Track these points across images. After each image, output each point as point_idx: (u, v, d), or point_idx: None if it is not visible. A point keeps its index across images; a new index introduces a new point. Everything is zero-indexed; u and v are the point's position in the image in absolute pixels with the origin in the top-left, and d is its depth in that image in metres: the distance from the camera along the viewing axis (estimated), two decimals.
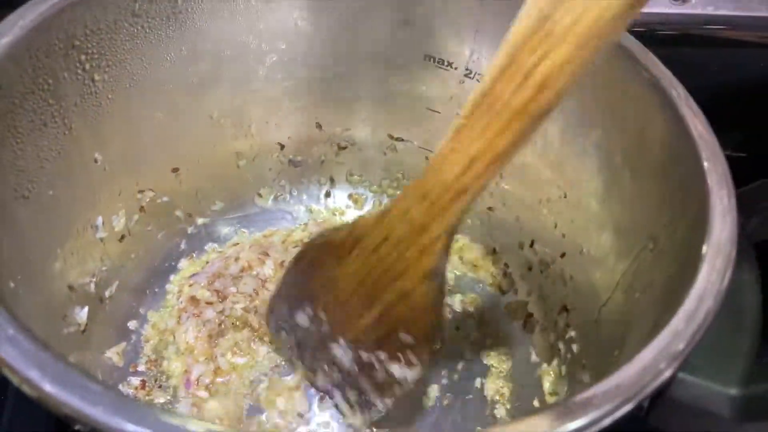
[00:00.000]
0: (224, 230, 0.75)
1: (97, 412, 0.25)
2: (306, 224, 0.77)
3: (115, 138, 0.55)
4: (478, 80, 0.62)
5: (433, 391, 0.62)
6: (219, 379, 0.61)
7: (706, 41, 0.74)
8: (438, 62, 0.64)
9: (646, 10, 0.72)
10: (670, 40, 0.73)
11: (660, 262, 0.43)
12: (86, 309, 0.56)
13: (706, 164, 0.39)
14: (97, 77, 0.50)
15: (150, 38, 0.53)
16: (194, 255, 0.72)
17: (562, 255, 0.62)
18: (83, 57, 0.48)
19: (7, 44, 0.41)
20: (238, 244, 0.73)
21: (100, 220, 0.57)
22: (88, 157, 0.53)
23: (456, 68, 0.63)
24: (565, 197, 0.60)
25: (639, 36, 0.51)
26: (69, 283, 0.53)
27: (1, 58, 0.40)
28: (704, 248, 0.35)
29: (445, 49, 0.63)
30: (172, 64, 0.57)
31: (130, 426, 0.25)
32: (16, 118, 0.42)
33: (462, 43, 0.61)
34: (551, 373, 0.61)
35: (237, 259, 0.68)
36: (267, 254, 0.69)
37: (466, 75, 0.63)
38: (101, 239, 0.58)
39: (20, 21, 0.42)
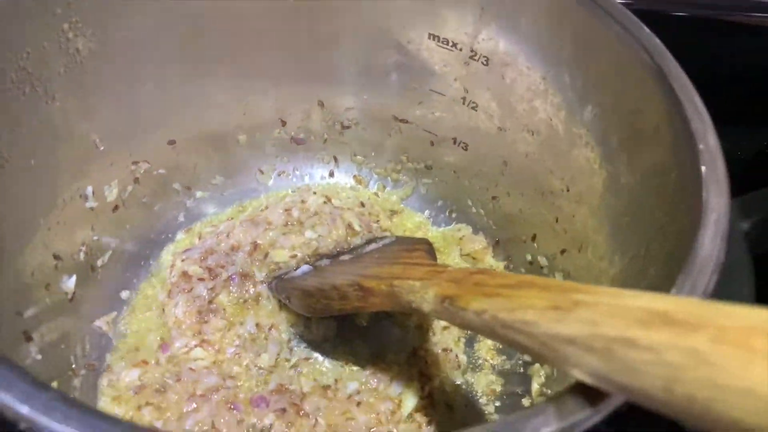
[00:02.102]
0: (223, 205, 0.74)
1: (25, 410, 0.25)
2: (299, 188, 0.76)
3: (104, 109, 0.54)
4: (483, 63, 0.59)
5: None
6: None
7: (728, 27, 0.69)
8: (442, 42, 0.61)
9: None
10: (687, 22, 0.68)
11: (647, 269, 0.40)
12: (74, 278, 0.57)
13: (704, 169, 0.36)
14: (81, 47, 0.49)
15: (142, 11, 0.52)
16: (192, 228, 0.71)
17: (563, 251, 0.59)
18: (66, 26, 0.47)
19: None
20: (232, 218, 0.72)
21: (89, 189, 0.57)
22: (75, 127, 0.52)
23: (461, 49, 0.60)
24: (567, 191, 0.57)
25: (653, 14, 0.47)
26: (55, 252, 0.53)
27: None
28: (688, 262, 0.32)
29: (448, 28, 0.60)
30: (161, 32, 0.55)
31: (54, 424, 0.24)
32: None
33: (467, 22, 0.58)
34: (542, 374, 0.59)
35: (228, 235, 0.68)
36: (257, 234, 0.68)
37: (471, 57, 0.60)
38: (91, 209, 0.58)
39: None
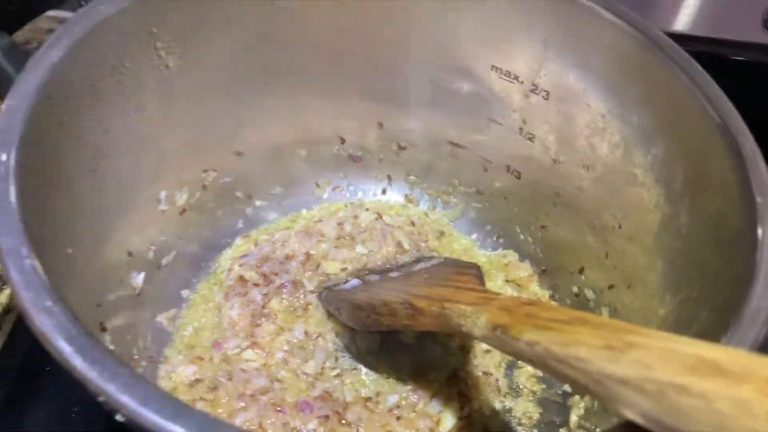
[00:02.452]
0: (279, 214, 0.77)
1: (111, 388, 0.28)
2: (351, 203, 0.79)
3: (184, 121, 0.58)
4: (543, 97, 0.61)
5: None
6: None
7: None
8: (504, 74, 0.63)
9: (733, 36, 0.69)
10: (755, 69, 0.68)
11: (699, 313, 0.41)
12: (143, 274, 0.60)
13: (760, 232, 0.36)
14: (171, 64, 0.53)
15: (226, 33, 0.56)
16: (249, 234, 0.75)
17: (611, 286, 0.60)
18: (159, 44, 0.51)
19: (87, 29, 0.44)
20: (288, 228, 0.76)
21: (163, 194, 0.61)
22: (157, 136, 0.56)
23: (522, 82, 0.62)
24: (620, 227, 0.58)
25: (719, 60, 0.48)
26: (129, 250, 0.57)
27: (83, 40, 0.43)
28: (742, 310, 0.33)
29: (511, 61, 0.62)
30: (237, 51, 0.59)
31: (132, 403, 0.27)
32: (91, 97, 0.46)
33: (530, 57, 0.60)
34: (581, 405, 0.60)
35: (283, 244, 0.71)
36: (311, 245, 0.71)
37: (531, 90, 0.62)
38: (163, 211, 0.62)
39: (101, 7, 0.45)
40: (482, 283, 0.56)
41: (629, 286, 0.56)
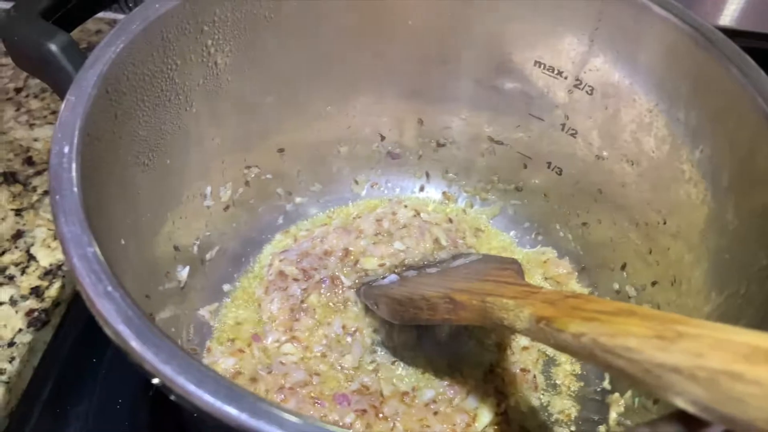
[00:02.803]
0: (318, 210, 0.79)
1: (167, 369, 0.29)
2: (389, 200, 0.79)
3: (230, 117, 0.60)
4: (588, 92, 0.60)
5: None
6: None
7: None
8: (548, 69, 0.62)
9: None
10: None
11: (746, 309, 0.40)
12: (187, 268, 0.62)
13: None
14: (219, 61, 0.54)
15: (273, 31, 0.57)
16: (289, 230, 0.76)
17: (653, 283, 0.59)
18: (209, 42, 0.52)
19: (143, 26, 0.45)
20: (326, 224, 0.76)
21: (209, 189, 0.63)
22: (204, 132, 0.57)
23: (566, 77, 0.62)
24: (664, 224, 0.57)
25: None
26: (175, 244, 0.59)
27: (136, 39, 0.45)
28: None
29: (556, 56, 0.61)
30: (287, 54, 0.60)
31: (190, 385, 0.28)
32: (144, 93, 0.47)
33: (575, 52, 0.59)
34: (621, 403, 0.59)
35: (322, 240, 0.72)
36: (349, 241, 0.72)
37: (575, 85, 0.61)
38: (208, 207, 0.64)
39: (156, 5, 0.47)
40: (522, 277, 0.55)
41: (673, 283, 0.55)
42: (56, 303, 0.69)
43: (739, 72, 0.47)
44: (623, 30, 0.55)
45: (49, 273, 0.70)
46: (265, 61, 0.60)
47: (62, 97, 0.46)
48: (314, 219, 0.78)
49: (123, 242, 0.44)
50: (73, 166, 0.35)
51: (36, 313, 0.67)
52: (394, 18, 0.63)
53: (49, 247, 0.73)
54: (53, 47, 0.45)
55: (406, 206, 0.78)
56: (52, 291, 0.69)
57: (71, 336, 0.66)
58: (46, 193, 0.78)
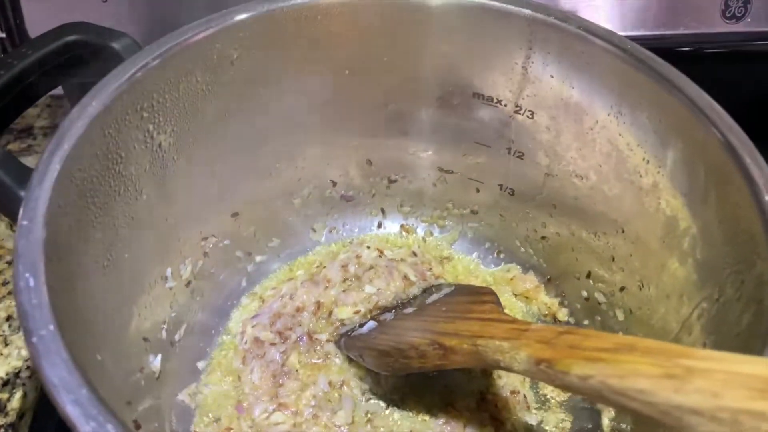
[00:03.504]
0: (280, 264, 0.77)
1: None
2: (351, 241, 0.79)
3: (179, 194, 0.58)
4: (529, 116, 0.62)
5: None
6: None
7: (758, 57, 0.72)
8: (487, 99, 0.64)
9: (695, 30, 0.72)
10: (719, 58, 0.71)
11: (727, 313, 0.42)
12: (159, 356, 0.59)
13: None
14: (163, 142, 0.52)
15: (209, 98, 0.56)
16: (254, 292, 0.74)
17: (622, 288, 0.61)
18: (150, 126, 0.50)
19: (83, 127, 0.43)
20: (291, 278, 0.75)
21: (169, 271, 0.60)
22: (158, 216, 0.55)
23: (505, 105, 0.63)
24: (623, 232, 0.59)
25: (686, 55, 0.50)
26: (144, 335, 0.56)
27: (79, 143, 0.42)
28: None
29: (492, 86, 0.63)
30: (230, 119, 0.59)
31: None
32: (94, 195, 0.45)
33: (510, 80, 0.61)
34: (611, 408, 0.61)
35: (292, 297, 0.70)
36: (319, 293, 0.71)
37: (516, 111, 0.63)
38: (170, 288, 0.61)
39: (92, 102, 0.45)
40: (501, 308, 0.56)
41: (641, 288, 0.58)
42: (21, 414, 0.64)
43: (668, 84, 0.50)
44: (554, 56, 0.57)
45: (7, 383, 0.65)
46: (209, 131, 0.58)
47: (4, 212, 0.43)
48: (277, 274, 0.77)
49: (99, 357, 0.41)
50: (44, 299, 0.32)
51: (2, 430, 0.62)
52: (333, 68, 0.63)
53: (1, 354, 0.68)
54: None
55: (368, 247, 0.78)
56: (14, 402, 0.64)
57: None
58: None
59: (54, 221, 0.38)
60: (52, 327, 0.31)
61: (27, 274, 0.33)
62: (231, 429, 0.63)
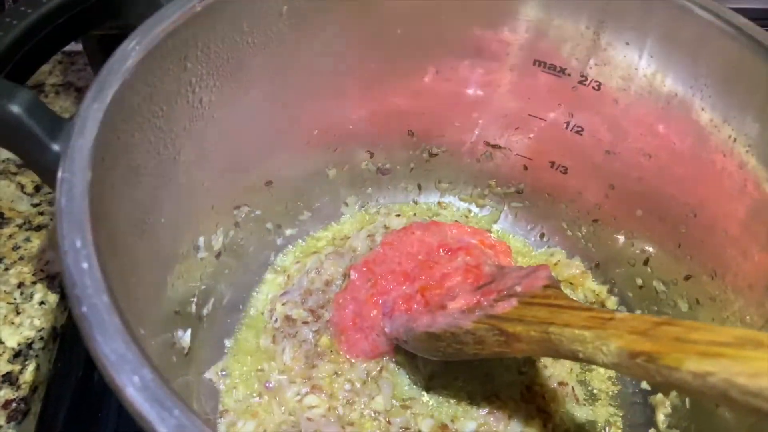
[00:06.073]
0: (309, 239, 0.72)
1: None
2: (378, 211, 0.75)
3: (217, 157, 0.53)
4: (595, 88, 0.57)
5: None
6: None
7: None
8: (548, 68, 0.59)
9: None
10: None
11: None
12: (189, 331, 0.55)
13: None
14: (204, 98, 0.47)
15: (254, 52, 0.51)
16: (278, 266, 0.69)
17: (687, 277, 0.57)
18: (193, 79, 0.45)
19: (126, 74, 0.38)
20: (315, 252, 0.70)
21: (201, 240, 0.56)
22: (194, 179, 0.50)
23: (569, 74, 0.58)
24: (695, 216, 0.55)
25: None
26: (175, 308, 0.52)
27: (121, 91, 0.37)
28: None
29: (556, 53, 0.58)
30: (274, 77, 0.54)
31: None
32: (136, 150, 0.40)
33: (579, 46, 0.56)
34: (667, 404, 0.57)
35: (319, 271, 0.66)
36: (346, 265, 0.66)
37: (580, 82, 0.58)
38: (202, 259, 0.57)
39: (136, 46, 0.40)
40: (564, 294, 0.52)
41: (713, 277, 0.53)
42: (33, 388, 0.60)
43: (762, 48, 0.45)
44: (633, 21, 0.52)
45: (19, 355, 0.61)
46: (249, 89, 0.53)
47: (33, 167, 0.38)
48: (299, 246, 0.71)
49: (142, 332, 0.37)
50: (94, 263, 0.28)
51: (14, 404, 0.58)
52: (383, 25, 0.58)
53: (12, 323, 0.63)
54: (15, 109, 0.37)
55: (398, 215, 0.73)
56: (27, 375, 0.60)
57: (58, 421, 0.58)
58: None
59: (97, 176, 0.33)
60: (105, 296, 0.27)
61: (72, 234, 0.28)
62: (257, 413, 0.58)
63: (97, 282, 0.27)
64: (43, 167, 0.38)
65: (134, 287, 0.38)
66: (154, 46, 0.40)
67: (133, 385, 0.24)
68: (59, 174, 0.31)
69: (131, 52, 0.39)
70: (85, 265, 0.27)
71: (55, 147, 0.37)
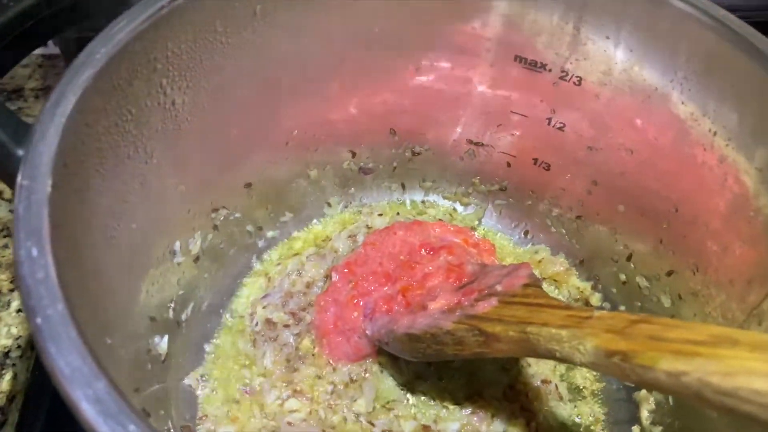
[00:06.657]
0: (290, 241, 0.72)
1: None
2: (360, 211, 0.74)
3: (193, 160, 0.52)
4: (576, 83, 0.57)
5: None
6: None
7: None
8: (529, 64, 0.58)
9: None
10: None
11: None
12: (166, 337, 0.54)
13: None
14: (177, 100, 0.47)
15: (228, 52, 0.50)
16: (259, 269, 0.68)
17: (669, 273, 0.57)
18: (164, 81, 0.44)
19: (91, 76, 0.37)
20: (296, 254, 0.69)
21: (177, 244, 0.55)
22: (167, 183, 0.50)
23: (550, 70, 0.58)
24: (676, 211, 0.54)
25: None
26: (150, 314, 0.51)
27: (86, 93, 0.36)
28: None
29: (537, 49, 0.57)
30: (248, 78, 0.53)
31: None
32: (102, 155, 0.39)
33: (558, 41, 0.55)
34: (651, 400, 0.57)
35: (300, 273, 0.65)
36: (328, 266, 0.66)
37: (561, 78, 0.58)
38: (178, 264, 0.56)
39: (101, 48, 0.39)
40: (545, 293, 0.51)
41: (695, 272, 0.53)
42: (11, 397, 0.59)
43: (749, 46, 0.45)
44: (612, 15, 0.51)
45: None
46: (225, 90, 0.52)
47: (1, 177, 0.37)
48: (279, 247, 0.70)
49: (108, 341, 0.36)
50: (50, 273, 0.27)
51: None
52: (361, 24, 0.57)
53: None
54: None
55: (380, 215, 0.72)
56: (4, 384, 0.59)
57: (36, 430, 0.57)
58: None
59: (59, 182, 0.32)
60: (60, 306, 0.26)
61: (29, 243, 0.27)
62: (238, 416, 0.58)
63: (54, 292, 0.26)
64: (9, 174, 0.37)
65: (100, 296, 0.37)
66: (120, 48, 0.40)
67: (87, 399, 0.24)
68: (18, 180, 0.30)
69: (96, 54, 0.38)
70: (41, 275, 0.26)
71: (20, 152, 0.36)
